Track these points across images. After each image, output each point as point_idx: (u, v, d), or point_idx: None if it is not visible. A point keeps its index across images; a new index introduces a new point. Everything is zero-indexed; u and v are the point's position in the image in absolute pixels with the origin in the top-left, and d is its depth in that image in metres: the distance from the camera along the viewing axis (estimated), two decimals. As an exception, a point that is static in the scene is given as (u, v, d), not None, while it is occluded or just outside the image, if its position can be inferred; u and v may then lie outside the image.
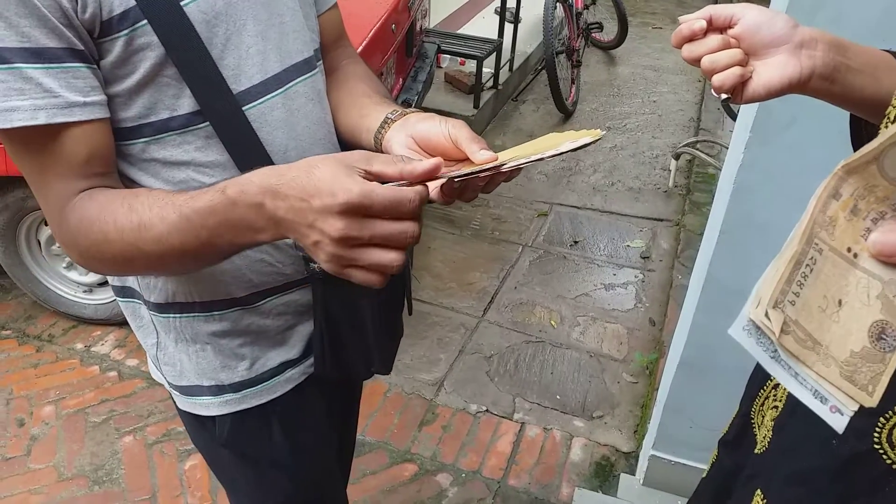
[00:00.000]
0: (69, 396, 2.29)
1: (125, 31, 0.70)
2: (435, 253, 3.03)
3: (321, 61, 0.94)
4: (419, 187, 0.61)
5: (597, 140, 0.66)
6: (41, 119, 0.67)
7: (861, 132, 0.77)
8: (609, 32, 5.20)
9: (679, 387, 1.74)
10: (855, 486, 0.62)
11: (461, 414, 2.26)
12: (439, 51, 3.64)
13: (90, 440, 2.14)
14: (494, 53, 3.97)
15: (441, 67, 4.24)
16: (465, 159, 0.76)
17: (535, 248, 3.12)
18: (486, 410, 2.28)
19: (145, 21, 0.71)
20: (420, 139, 0.79)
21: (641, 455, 2.01)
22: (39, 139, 0.70)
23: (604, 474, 2.07)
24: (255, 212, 0.64)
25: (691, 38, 0.71)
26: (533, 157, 0.64)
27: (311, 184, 0.60)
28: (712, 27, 0.70)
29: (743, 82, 0.69)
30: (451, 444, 2.15)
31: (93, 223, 0.71)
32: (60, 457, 2.08)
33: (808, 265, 0.43)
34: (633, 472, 2.04)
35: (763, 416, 0.74)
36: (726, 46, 0.69)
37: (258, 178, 0.64)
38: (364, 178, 0.61)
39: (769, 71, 0.68)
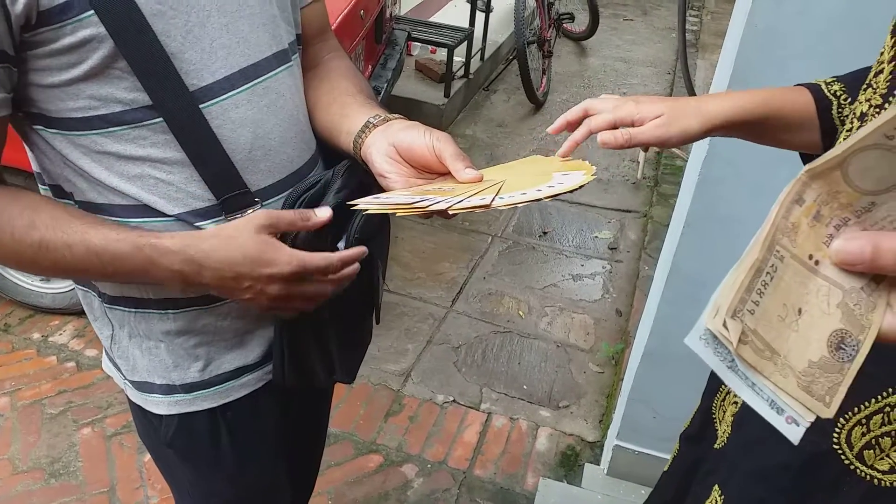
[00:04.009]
0: (25, 387, 2.22)
1: (68, 22, 0.66)
2: (404, 243, 3.01)
3: (297, 55, 0.89)
4: (342, 254, 0.77)
5: (589, 182, 0.70)
6: None
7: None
8: (580, 23, 5.20)
9: (643, 377, 1.75)
10: (814, 485, 0.63)
11: (428, 404, 2.25)
12: (409, 38, 3.61)
13: (47, 432, 2.08)
14: (465, 42, 3.94)
15: (412, 55, 4.20)
16: (447, 174, 0.74)
17: (504, 239, 3.11)
18: (453, 401, 2.27)
19: (91, 11, 0.67)
20: (402, 149, 0.77)
21: (606, 445, 2.02)
22: None
23: (569, 464, 2.08)
24: (174, 275, 0.73)
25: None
26: (529, 198, 0.65)
27: (238, 254, 0.71)
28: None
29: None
30: (417, 434, 2.14)
31: None
32: (15, 449, 2.02)
33: (768, 273, 0.42)
34: (597, 462, 2.05)
35: (724, 412, 0.74)
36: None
37: (175, 246, 0.72)
38: (275, 236, 0.74)
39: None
